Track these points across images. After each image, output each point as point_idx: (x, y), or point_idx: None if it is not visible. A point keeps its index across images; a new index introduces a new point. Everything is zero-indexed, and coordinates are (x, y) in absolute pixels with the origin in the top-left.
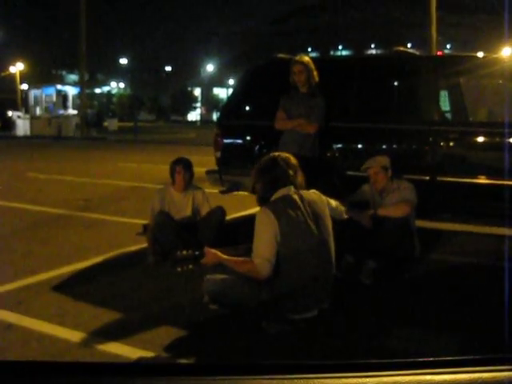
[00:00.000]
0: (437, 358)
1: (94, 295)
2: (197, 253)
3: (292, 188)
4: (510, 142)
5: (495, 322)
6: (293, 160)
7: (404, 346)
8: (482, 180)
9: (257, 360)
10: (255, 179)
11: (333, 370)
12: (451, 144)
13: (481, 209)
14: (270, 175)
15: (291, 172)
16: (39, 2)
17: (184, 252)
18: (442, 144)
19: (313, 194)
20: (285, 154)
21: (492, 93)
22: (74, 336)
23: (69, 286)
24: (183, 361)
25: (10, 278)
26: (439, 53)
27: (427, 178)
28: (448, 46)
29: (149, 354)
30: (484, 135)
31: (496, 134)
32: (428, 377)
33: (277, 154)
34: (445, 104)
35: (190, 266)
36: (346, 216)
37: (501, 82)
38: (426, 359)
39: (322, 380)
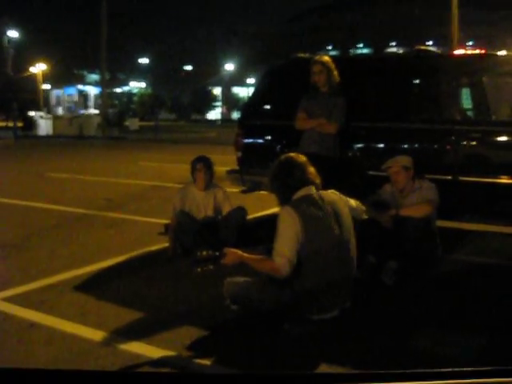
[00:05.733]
0: (475, 368)
1: (116, 295)
2: (217, 253)
3: (313, 188)
4: None
5: None
6: (299, 159)
7: (428, 347)
8: (505, 180)
9: (277, 362)
10: (269, 188)
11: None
12: (474, 143)
13: (503, 209)
14: (278, 182)
15: (299, 173)
16: (60, 3)
17: (204, 252)
18: (464, 143)
19: (332, 194)
20: (289, 156)
21: None
22: (96, 335)
23: (91, 286)
24: (204, 361)
25: (33, 277)
26: (460, 50)
27: (449, 177)
28: (470, 43)
29: (170, 354)
30: (507, 134)
31: None
32: None
33: (282, 158)
34: (467, 103)
35: (210, 267)
36: (365, 216)
37: None
38: (458, 369)
39: None
